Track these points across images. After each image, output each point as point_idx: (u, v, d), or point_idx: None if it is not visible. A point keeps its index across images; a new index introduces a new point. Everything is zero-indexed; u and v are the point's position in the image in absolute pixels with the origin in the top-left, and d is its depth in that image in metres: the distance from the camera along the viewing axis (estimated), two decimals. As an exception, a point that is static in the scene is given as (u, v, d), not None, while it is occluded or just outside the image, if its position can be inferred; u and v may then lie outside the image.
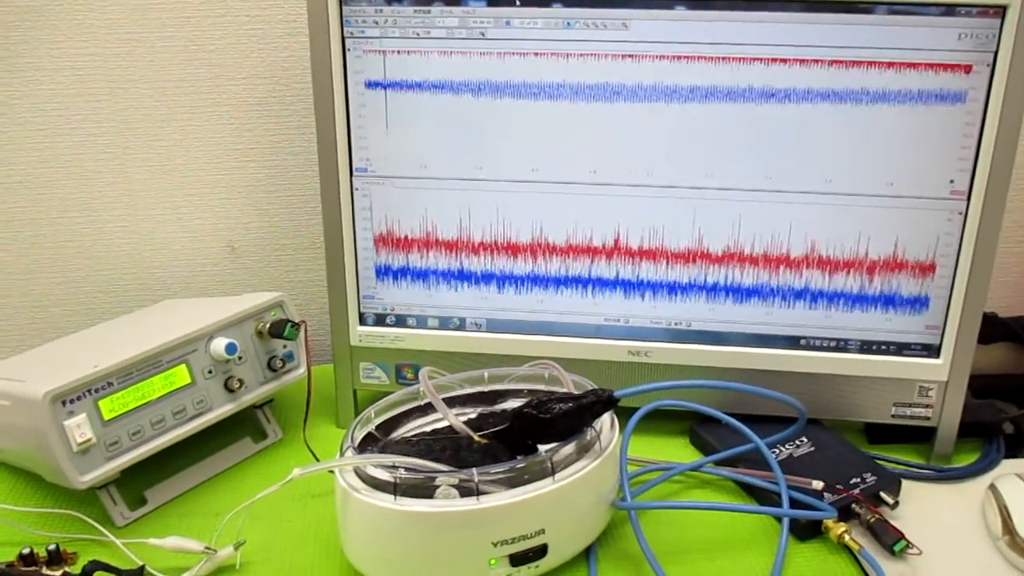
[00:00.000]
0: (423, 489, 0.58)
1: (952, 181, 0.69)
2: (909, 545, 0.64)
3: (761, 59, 0.68)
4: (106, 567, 0.62)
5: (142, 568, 0.63)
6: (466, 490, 0.58)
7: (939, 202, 0.70)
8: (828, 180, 0.71)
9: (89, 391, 0.64)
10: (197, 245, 0.94)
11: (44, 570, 0.62)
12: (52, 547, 0.63)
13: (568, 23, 0.69)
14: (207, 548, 0.63)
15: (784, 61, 0.68)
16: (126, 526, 0.68)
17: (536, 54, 0.70)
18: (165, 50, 0.86)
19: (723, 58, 0.68)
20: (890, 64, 0.67)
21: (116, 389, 0.66)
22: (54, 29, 0.84)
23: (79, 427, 0.63)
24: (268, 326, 0.75)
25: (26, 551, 0.63)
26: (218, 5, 0.85)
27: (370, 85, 0.72)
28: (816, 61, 0.68)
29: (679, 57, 0.69)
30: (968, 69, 0.66)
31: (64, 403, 0.63)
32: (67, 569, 0.63)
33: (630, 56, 0.69)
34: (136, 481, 0.71)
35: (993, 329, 0.94)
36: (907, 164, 0.69)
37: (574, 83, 0.70)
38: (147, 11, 0.85)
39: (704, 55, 0.68)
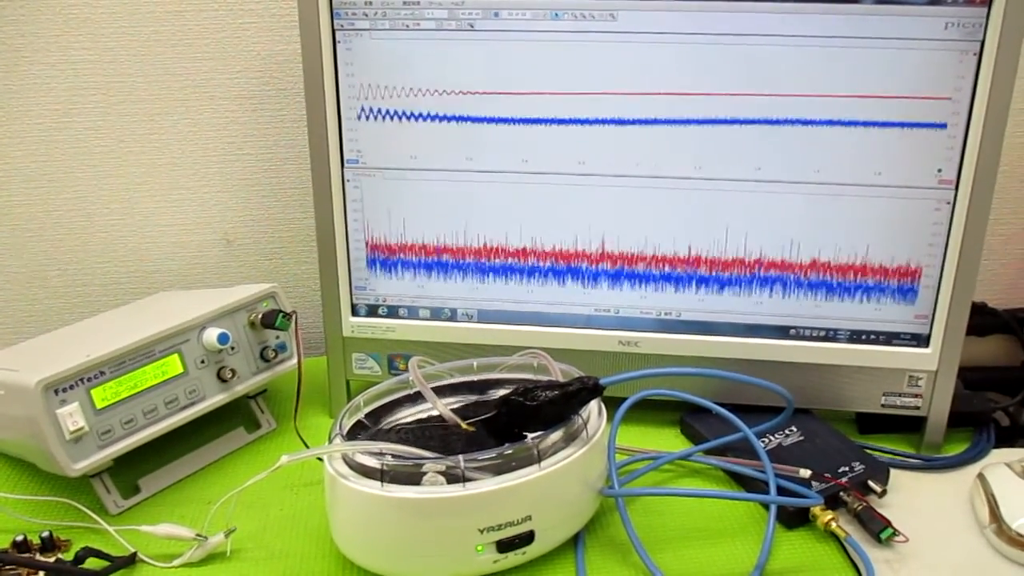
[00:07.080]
0: (410, 476, 0.58)
1: (940, 170, 0.69)
2: (895, 532, 0.64)
3: (748, 48, 0.68)
4: (99, 554, 0.63)
5: (134, 555, 0.63)
6: (453, 477, 0.58)
7: (927, 191, 0.70)
8: (817, 170, 0.71)
9: (81, 380, 0.65)
10: (192, 238, 0.94)
11: (37, 556, 0.63)
12: (45, 534, 0.64)
13: (556, 14, 0.69)
14: (198, 535, 0.64)
15: (772, 51, 0.68)
16: (119, 514, 0.69)
17: (524, 44, 0.70)
18: (160, 43, 0.87)
19: (710, 48, 0.68)
20: (877, 54, 0.67)
21: (108, 378, 0.66)
22: (50, 24, 0.85)
23: (71, 415, 0.64)
24: (260, 316, 0.75)
25: (20, 538, 0.63)
26: (212, -1, 0.86)
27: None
28: (804, 51, 0.68)
29: (666, 47, 0.69)
30: (955, 59, 0.66)
31: (56, 392, 0.63)
32: (60, 556, 0.64)
33: (618, 46, 0.69)
34: (130, 470, 0.72)
35: (988, 321, 0.94)
36: (895, 154, 0.69)
37: (562, 74, 0.71)
38: (141, 5, 0.85)
39: (691, 45, 0.69)
